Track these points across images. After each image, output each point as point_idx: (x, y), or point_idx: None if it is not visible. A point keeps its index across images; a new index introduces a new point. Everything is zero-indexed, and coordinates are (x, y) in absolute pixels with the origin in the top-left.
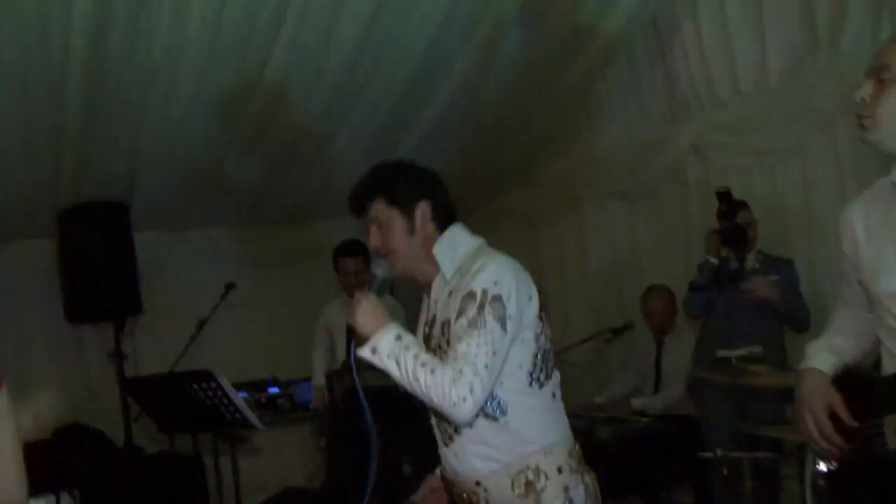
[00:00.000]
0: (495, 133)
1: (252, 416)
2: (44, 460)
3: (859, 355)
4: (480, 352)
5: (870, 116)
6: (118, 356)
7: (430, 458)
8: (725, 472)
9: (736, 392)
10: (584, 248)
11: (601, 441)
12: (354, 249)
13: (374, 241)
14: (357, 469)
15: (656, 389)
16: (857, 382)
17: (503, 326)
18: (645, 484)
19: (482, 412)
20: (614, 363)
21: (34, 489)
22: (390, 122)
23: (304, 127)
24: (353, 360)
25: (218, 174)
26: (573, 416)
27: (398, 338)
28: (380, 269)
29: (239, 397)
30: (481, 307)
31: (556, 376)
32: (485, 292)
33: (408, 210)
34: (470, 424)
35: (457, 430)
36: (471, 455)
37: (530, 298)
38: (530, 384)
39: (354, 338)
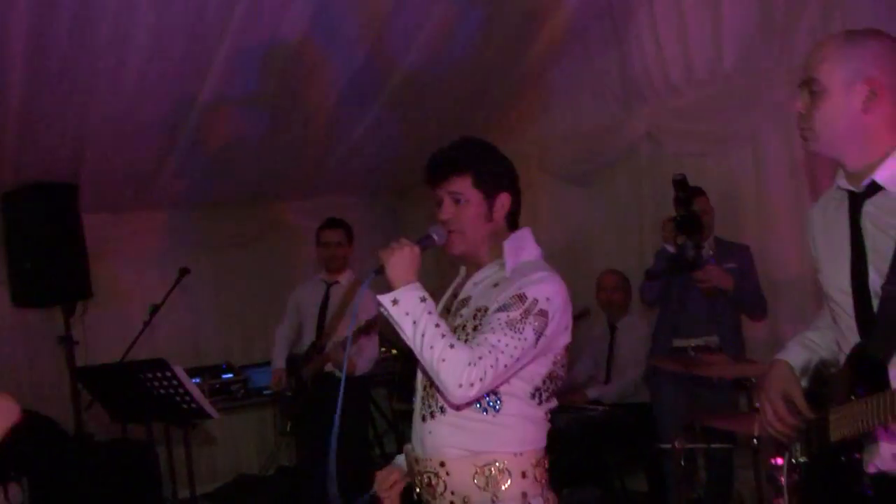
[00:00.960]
0: (447, 115)
1: (208, 406)
2: None
3: (836, 350)
4: (507, 351)
5: (808, 128)
6: (68, 341)
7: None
8: (683, 463)
9: (690, 382)
10: (535, 233)
11: (556, 429)
12: (337, 222)
13: (446, 213)
14: (326, 452)
15: (608, 376)
16: (818, 376)
17: (537, 340)
18: (599, 472)
19: (477, 402)
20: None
21: None
22: (344, 102)
23: (258, 105)
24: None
25: (168, 154)
26: None
27: (423, 299)
28: (436, 234)
29: (194, 386)
30: (527, 313)
31: (554, 402)
32: (535, 302)
33: (490, 196)
34: (458, 407)
35: (443, 409)
36: (446, 435)
37: (566, 328)
38: (532, 397)
39: (375, 274)
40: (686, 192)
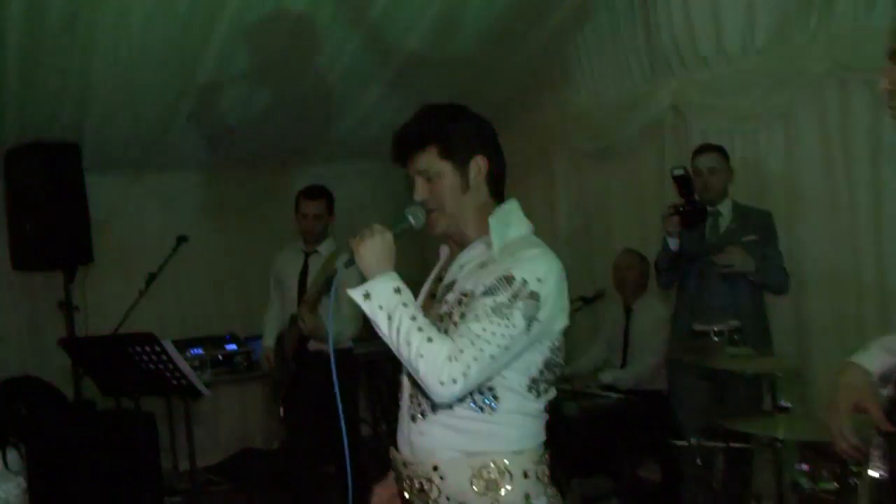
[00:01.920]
0: (464, 82)
1: (198, 383)
2: None
3: None
4: (493, 340)
5: None
6: (68, 307)
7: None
8: (699, 461)
9: (712, 376)
10: (552, 210)
11: (567, 417)
12: (318, 192)
13: (419, 193)
14: (314, 431)
15: (624, 360)
16: None
17: (528, 326)
18: (612, 461)
19: (471, 400)
20: (583, 334)
21: None
22: (357, 67)
23: (266, 68)
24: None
25: (174, 114)
26: None
27: (397, 291)
28: (412, 217)
29: (185, 363)
30: (515, 296)
31: (553, 392)
32: (524, 283)
33: (462, 164)
34: (450, 406)
35: (433, 408)
36: (438, 437)
37: (563, 310)
38: (529, 390)
39: (331, 279)
40: (688, 189)
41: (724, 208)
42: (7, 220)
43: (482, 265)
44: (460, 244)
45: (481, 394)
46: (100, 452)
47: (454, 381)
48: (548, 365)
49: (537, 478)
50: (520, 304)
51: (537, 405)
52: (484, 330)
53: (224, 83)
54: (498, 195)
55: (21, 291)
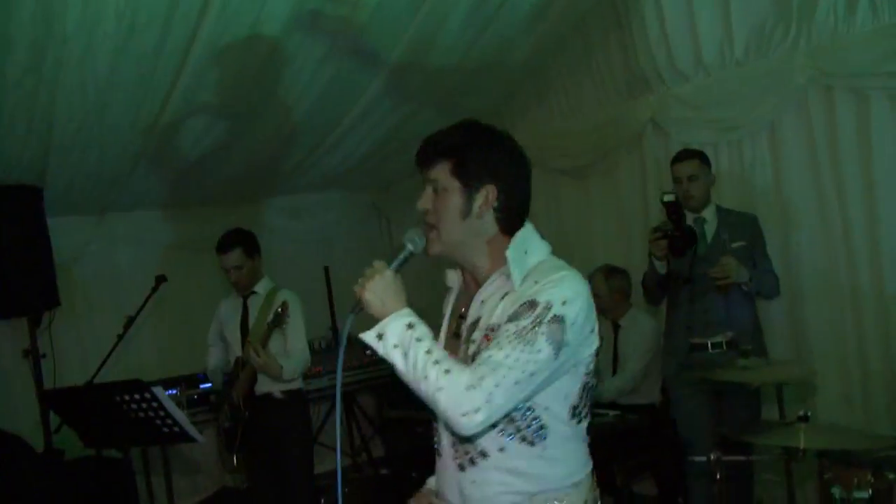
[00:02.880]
0: (441, 105)
1: (192, 429)
2: None
3: None
4: (516, 366)
5: None
6: (34, 355)
7: None
8: (718, 476)
9: (712, 391)
10: None
11: None
12: (227, 243)
13: (423, 201)
14: (273, 474)
15: (615, 374)
16: None
17: (555, 351)
18: (607, 478)
19: (519, 435)
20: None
21: None
22: (333, 90)
23: (232, 101)
24: (342, 344)
25: (140, 152)
26: None
27: (410, 326)
28: (410, 243)
29: (177, 409)
30: (538, 322)
31: (590, 415)
32: (548, 307)
33: (469, 188)
34: (501, 449)
35: (484, 453)
36: (496, 484)
37: (592, 332)
38: (572, 417)
39: (352, 314)
40: (678, 215)
41: (709, 214)
42: None
43: (504, 296)
44: (472, 275)
45: (529, 427)
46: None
47: (476, 411)
48: (585, 389)
49: None
50: (544, 328)
51: (581, 431)
52: (507, 356)
53: (189, 118)
54: (509, 230)
55: None
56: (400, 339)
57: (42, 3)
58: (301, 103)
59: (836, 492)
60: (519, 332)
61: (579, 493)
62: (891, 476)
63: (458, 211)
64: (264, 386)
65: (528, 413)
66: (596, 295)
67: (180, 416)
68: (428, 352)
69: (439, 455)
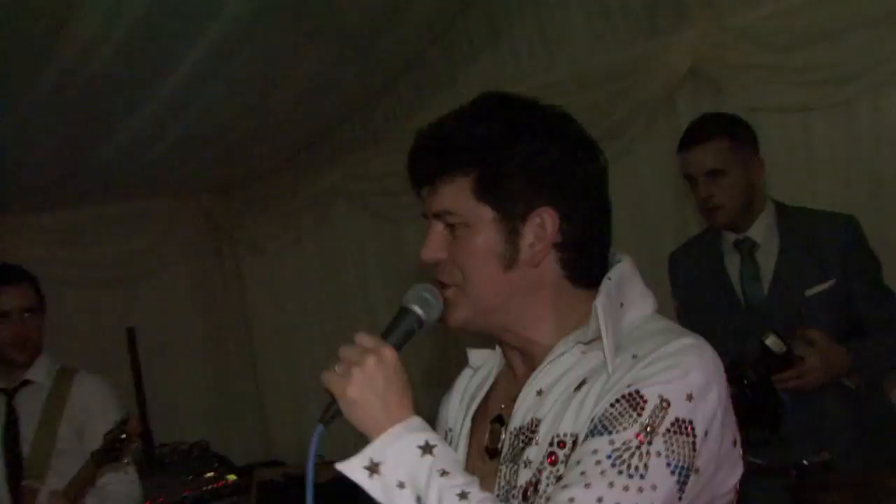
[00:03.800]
0: (337, 50)
1: None
2: None
3: None
4: None
5: None
6: None
7: None
8: None
9: None
10: None
11: None
12: (17, 274)
13: (429, 250)
14: None
15: None
16: None
17: (680, 484)
18: None
19: None
20: None
21: None
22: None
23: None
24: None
25: None
26: None
27: (426, 449)
28: (419, 307)
29: None
30: (650, 432)
31: None
32: (664, 406)
33: (511, 217)
34: None
35: None
36: None
37: (735, 445)
38: None
39: (323, 425)
40: (769, 371)
41: (761, 230)
42: None
43: (583, 384)
44: (522, 352)
45: None
46: None
47: None
48: None
49: None
50: (660, 443)
51: None
52: (600, 501)
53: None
54: (583, 274)
55: None
56: (410, 474)
57: None
58: (99, 46)
59: None
60: (616, 454)
61: None
62: None
63: (494, 257)
64: None
65: None
66: None
67: None
68: (463, 496)
69: None
